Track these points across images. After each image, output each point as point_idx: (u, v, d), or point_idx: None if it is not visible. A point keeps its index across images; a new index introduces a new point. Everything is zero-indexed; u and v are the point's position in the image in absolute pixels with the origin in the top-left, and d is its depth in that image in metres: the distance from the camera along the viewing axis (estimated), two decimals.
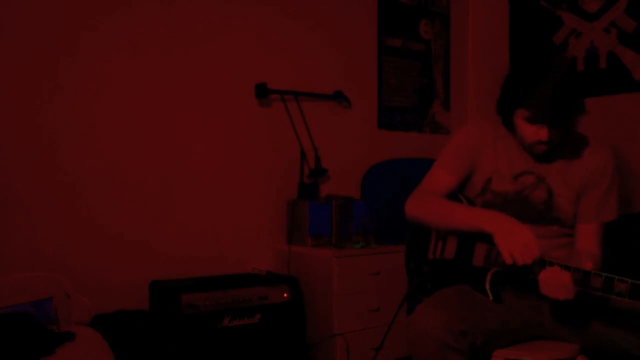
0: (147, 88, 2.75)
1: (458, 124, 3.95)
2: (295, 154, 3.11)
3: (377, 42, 3.57)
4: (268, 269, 3.00)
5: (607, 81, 3.29)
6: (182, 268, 2.80)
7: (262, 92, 3.01)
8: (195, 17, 2.88)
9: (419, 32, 3.78)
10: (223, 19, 2.97)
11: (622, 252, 2.59)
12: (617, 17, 3.26)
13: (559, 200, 1.83)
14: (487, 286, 1.77)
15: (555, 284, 1.57)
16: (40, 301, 2.11)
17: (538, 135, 1.72)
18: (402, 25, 3.68)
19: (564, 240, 1.87)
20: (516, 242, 1.63)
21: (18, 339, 1.78)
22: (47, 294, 2.16)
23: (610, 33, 3.28)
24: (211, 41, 2.94)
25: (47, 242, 2.49)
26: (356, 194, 3.38)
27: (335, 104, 3.36)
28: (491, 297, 1.76)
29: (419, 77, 3.77)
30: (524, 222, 1.72)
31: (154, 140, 2.78)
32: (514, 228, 1.66)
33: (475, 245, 1.82)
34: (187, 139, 2.87)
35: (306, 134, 3.13)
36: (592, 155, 1.83)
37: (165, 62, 2.80)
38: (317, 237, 2.97)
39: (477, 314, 1.72)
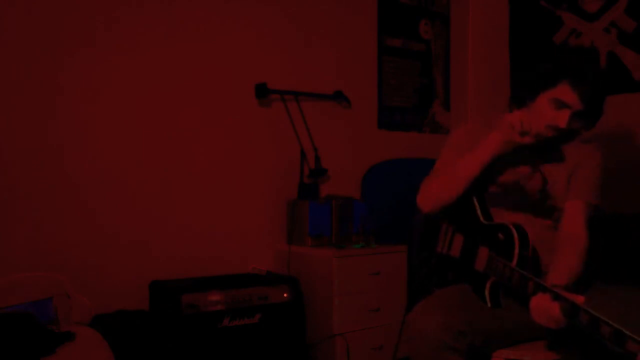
0: (147, 88, 2.75)
1: (458, 124, 3.94)
2: (295, 154, 3.11)
3: (377, 42, 3.57)
4: (268, 269, 3.00)
5: (607, 81, 3.29)
6: (182, 268, 2.80)
7: (262, 92, 3.01)
8: (195, 17, 2.88)
9: (419, 32, 3.78)
10: (223, 19, 2.97)
11: (620, 252, 2.60)
12: (617, 17, 3.25)
13: (553, 187, 1.88)
14: (487, 295, 1.76)
15: (545, 314, 1.55)
16: (40, 301, 2.11)
17: (555, 120, 1.76)
18: (402, 25, 3.68)
19: None
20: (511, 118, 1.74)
21: (18, 339, 1.78)
22: (47, 294, 2.16)
23: (610, 33, 3.28)
24: (211, 41, 2.94)
25: (47, 242, 2.49)
26: (356, 194, 3.38)
27: (335, 104, 3.36)
28: (489, 305, 1.76)
29: (419, 77, 3.78)
30: (523, 213, 1.80)
31: (154, 140, 2.78)
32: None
33: (479, 249, 1.82)
34: (187, 139, 2.87)
35: (306, 134, 3.13)
36: (582, 146, 1.92)
37: (165, 62, 2.80)
38: (317, 237, 2.97)
39: (476, 314, 1.72)
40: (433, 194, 1.95)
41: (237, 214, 3.02)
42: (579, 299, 1.49)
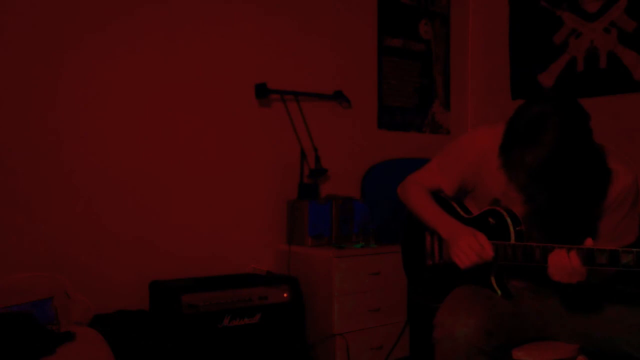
0: (148, 88, 2.75)
1: (458, 124, 3.95)
2: (295, 154, 3.11)
3: (377, 42, 3.57)
4: (268, 269, 3.00)
5: (607, 81, 3.29)
6: (182, 268, 2.80)
7: (262, 92, 3.01)
8: (195, 18, 2.88)
9: (419, 32, 3.78)
10: (223, 20, 2.97)
11: None
12: (617, 17, 3.26)
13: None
14: (493, 282, 1.76)
15: (566, 269, 1.53)
16: (40, 301, 2.11)
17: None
18: (402, 25, 3.68)
19: None
20: (459, 246, 1.70)
21: (18, 339, 1.78)
22: (47, 294, 2.16)
23: (610, 33, 3.28)
24: (211, 41, 2.94)
25: (47, 242, 2.49)
26: (356, 194, 3.38)
27: (335, 104, 3.36)
28: (499, 293, 1.75)
29: (419, 77, 3.77)
30: (539, 242, 1.66)
31: (155, 140, 2.78)
32: (460, 233, 1.72)
33: None
34: (187, 139, 2.87)
35: (306, 134, 3.13)
36: (613, 184, 1.64)
37: (165, 62, 2.80)
38: (317, 237, 2.97)
39: (499, 313, 1.71)
40: (405, 201, 2.01)
41: (237, 214, 3.02)
42: (589, 242, 1.51)
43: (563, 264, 1.54)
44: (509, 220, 1.72)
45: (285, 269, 2.96)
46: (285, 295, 2.68)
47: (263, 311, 2.61)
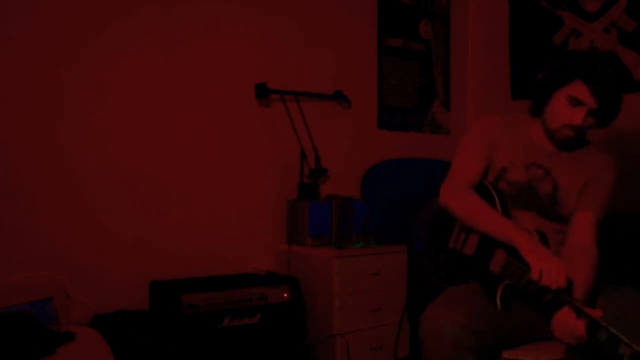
0: (148, 88, 2.75)
1: (458, 124, 3.95)
2: (295, 154, 3.11)
3: (377, 42, 3.57)
4: (268, 269, 3.00)
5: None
6: (182, 268, 2.80)
7: (262, 92, 3.01)
8: (195, 18, 2.88)
9: (419, 32, 3.78)
10: (223, 20, 2.97)
11: (627, 253, 2.58)
12: (617, 17, 3.26)
13: (563, 195, 1.86)
14: (498, 297, 1.75)
15: (568, 330, 1.54)
16: (40, 301, 2.11)
17: (572, 119, 1.76)
18: (402, 25, 3.68)
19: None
20: (549, 262, 1.62)
21: (18, 339, 1.78)
22: (47, 294, 2.16)
23: (610, 33, 3.28)
24: (211, 42, 2.94)
25: (47, 242, 2.49)
26: (356, 194, 3.38)
27: (335, 104, 3.36)
28: (500, 308, 1.75)
29: (419, 77, 3.77)
30: (537, 214, 1.81)
31: (155, 140, 2.78)
32: (546, 250, 1.68)
33: (496, 250, 1.80)
34: (187, 139, 2.87)
35: (306, 134, 3.13)
36: (598, 156, 1.92)
37: (165, 63, 2.80)
38: (317, 237, 2.97)
39: (491, 314, 1.71)
40: (455, 209, 1.91)
41: (237, 214, 3.02)
42: (597, 314, 1.50)
43: (567, 323, 1.54)
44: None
45: (285, 269, 2.96)
46: (285, 295, 2.68)
47: (263, 311, 2.61)
